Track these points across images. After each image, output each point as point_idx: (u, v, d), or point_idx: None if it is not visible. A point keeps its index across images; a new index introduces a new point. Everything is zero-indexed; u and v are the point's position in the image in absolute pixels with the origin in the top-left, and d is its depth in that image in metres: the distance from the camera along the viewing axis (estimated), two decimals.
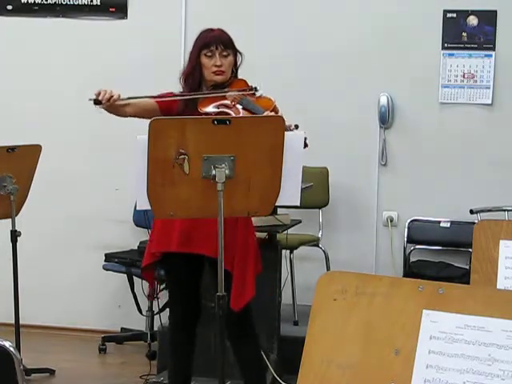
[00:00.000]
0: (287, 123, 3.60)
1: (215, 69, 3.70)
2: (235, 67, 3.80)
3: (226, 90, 3.75)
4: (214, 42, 3.71)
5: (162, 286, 5.19)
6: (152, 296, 4.00)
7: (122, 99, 3.62)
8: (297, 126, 3.63)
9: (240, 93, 3.73)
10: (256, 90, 3.72)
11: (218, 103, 3.72)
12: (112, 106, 3.60)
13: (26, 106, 5.95)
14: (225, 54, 3.72)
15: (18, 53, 6.02)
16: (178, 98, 3.70)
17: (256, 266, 3.72)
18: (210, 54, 3.71)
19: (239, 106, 3.71)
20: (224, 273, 3.57)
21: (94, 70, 5.89)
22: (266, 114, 3.61)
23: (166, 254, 3.72)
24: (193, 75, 3.74)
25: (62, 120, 5.92)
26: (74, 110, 5.90)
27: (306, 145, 3.69)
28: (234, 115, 3.63)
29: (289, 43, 5.66)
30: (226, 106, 3.71)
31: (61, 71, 5.94)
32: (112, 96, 3.57)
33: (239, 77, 3.84)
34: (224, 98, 3.73)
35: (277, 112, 3.71)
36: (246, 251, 3.68)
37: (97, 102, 3.59)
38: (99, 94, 3.57)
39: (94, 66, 5.90)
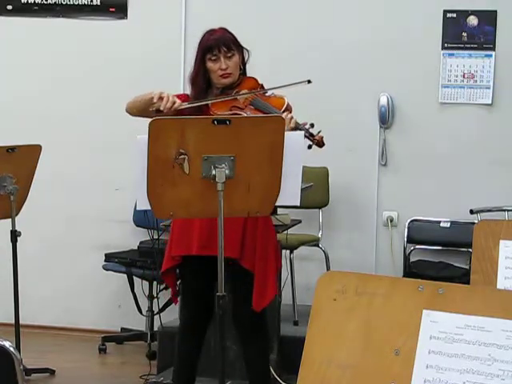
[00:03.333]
0: (302, 121, 3.60)
1: (221, 72, 3.68)
2: (242, 64, 3.78)
3: (236, 91, 3.72)
4: (217, 45, 3.67)
5: (161, 286, 5.19)
6: (177, 300, 3.97)
7: (182, 105, 3.56)
8: (312, 125, 3.62)
9: (251, 93, 3.71)
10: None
11: (230, 105, 3.70)
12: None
13: (26, 106, 5.95)
14: (229, 55, 3.68)
15: (18, 53, 6.02)
16: (195, 104, 3.63)
17: (277, 265, 3.73)
18: (214, 57, 3.67)
19: (251, 107, 3.70)
20: (245, 272, 3.59)
21: (93, 70, 5.90)
22: (279, 112, 3.59)
23: (185, 257, 3.70)
24: (199, 79, 3.71)
25: (62, 120, 5.92)
26: (74, 110, 5.90)
27: (322, 143, 3.68)
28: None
29: (288, 43, 5.66)
30: (239, 108, 3.69)
31: (61, 71, 5.94)
32: (174, 104, 3.52)
33: (248, 74, 3.82)
34: (235, 99, 3.71)
35: (290, 110, 3.69)
36: (266, 251, 3.67)
37: (158, 110, 3.51)
38: (161, 99, 3.50)
39: (93, 66, 5.90)
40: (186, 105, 3.60)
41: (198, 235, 3.63)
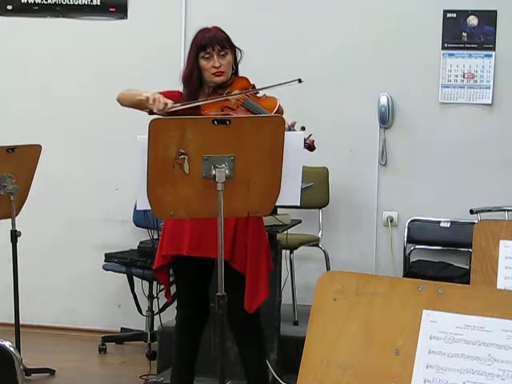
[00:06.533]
0: (290, 121, 3.60)
1: (214, 70, 3.68)
2: (235, 64, 3.79)
3: (227, 91, 3.73)
4: (210, 43, 3.68)
5: (161, 286, 5.19)
6: (170, 297, 3.97)
7: (174, 106, 3.60)
8: (303, 128, 3.64)
9: (242, 94, 3.72)
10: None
11: (221, 106, 3.71)
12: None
13: (26, 106, 5.95)
14: (222, 53, 3.69)
15: (18, 53, 6.01)
16: (186, 106, 3.65)
17: (268, 266, 3.73)
18: (207, 55, 3.68)
19: (243, 108, 3.70)
20: (236, 274, 3.58)
21: (93, 70, 5.90)
22: (270, 114, 3.60)
23: (176, 257, 3.70)
24: (192, 77, 3.71)
25: (62, 120, 5.92)
26: (73, 110, 5.90)
27: (313, 147, 3.72)
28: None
29: (289, 43, 5.66)
30: (230, 109, 3.69)
31: (61, 71, 5.94)
32: (166, 105, 3.56)
33: (240, 74, 3.83)
34: (227, 100, 3.71)
35: (281, 112, 3.68)
36: (257, 252, 3.66)
37: (151, 112, 3.59)
38: (153, 102, 3.55)
39: (93, 66, 5.90)
40: (178, 106, 3.61)
41: (188, 236, 3.63)
